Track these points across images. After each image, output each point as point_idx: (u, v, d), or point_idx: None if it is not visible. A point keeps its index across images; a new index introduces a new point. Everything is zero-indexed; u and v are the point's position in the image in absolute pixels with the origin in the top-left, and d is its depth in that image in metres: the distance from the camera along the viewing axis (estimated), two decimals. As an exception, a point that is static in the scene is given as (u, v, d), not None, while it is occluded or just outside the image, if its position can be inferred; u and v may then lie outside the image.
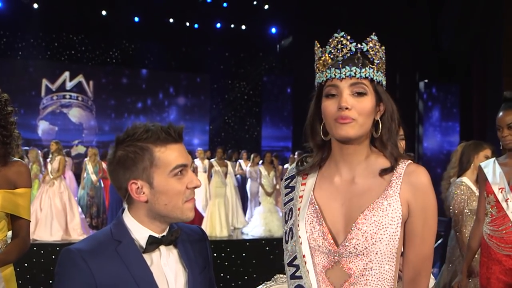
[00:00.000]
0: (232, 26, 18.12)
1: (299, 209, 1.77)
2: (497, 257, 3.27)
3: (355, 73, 1.64)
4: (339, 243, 1.67)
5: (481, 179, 3.48)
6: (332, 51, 1.68)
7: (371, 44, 1.67)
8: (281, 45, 19.11)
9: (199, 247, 1.86)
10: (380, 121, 1.70)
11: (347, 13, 13.77)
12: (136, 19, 17.21)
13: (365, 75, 1.65)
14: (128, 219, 1.72)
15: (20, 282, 2.72)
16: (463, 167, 4.48)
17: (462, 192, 4.35)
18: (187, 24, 17.76)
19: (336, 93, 1.65)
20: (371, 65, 1.66)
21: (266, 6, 17.27)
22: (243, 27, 18.18)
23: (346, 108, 1.62)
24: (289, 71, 18.56)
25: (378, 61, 1.68)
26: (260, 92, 19.16)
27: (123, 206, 1.79)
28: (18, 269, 2.72)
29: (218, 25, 18.01)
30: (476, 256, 3.68)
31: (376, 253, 1.64)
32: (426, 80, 16.12)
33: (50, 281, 7.51)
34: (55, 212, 9.14)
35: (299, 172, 1.84)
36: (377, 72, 1.67)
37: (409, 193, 1.67)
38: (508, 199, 3.24)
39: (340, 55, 1.67)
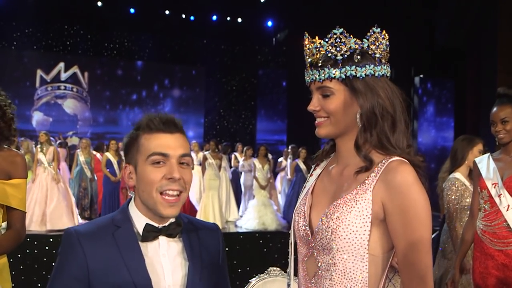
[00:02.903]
0: (228, 18, 18.08)
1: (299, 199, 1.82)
2: (489, 252, 3.29)
3: (315, 77, 1.66)
4: (313, 235, 1.68)
5: (475, 174, 3.50)
6: (306, 56, 1.70)
7: (332, 40, 1.64)
8: (277, 39, 19.09)
9: (209, 244, 1.85)
10: (358, 121, 1.65)
11: (343, 7, 13.75)
12: (132, 10, 17.15)
13: (324, 76, 1.64)
14: (131, 207, 1.76)
15: (13, 273, 2.72)
16: (457, 163, 4.49)
17: (456, 188, 4.36)
18: (183, 16, 17.72)
19: (312, 96, 1.70)
20: (330, 64, 1.63)
21: (262, -1, 17.26)
22: (239, 20, 18.15)
23: (314, 110, 1.68)
24: (285, 64, 18.56)
25: (344, 56, 1.62)
26: (256, 85, 19.16)
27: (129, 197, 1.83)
28: (11, 260, 2.71)
29: (214, 17, 17.97)
30: (469, 251, 3.70)
31: (338, 250, 1.60)
32: (421, 75, 16.15)
33: (44, 272, 7.52)
34: (49, 202, 9.11)
35: (313, 161, 1.87)
36: (341, 68, 1.62)
37: (384, 192, 1.58)
38: (501, 194, 3.25)
39: (309, 60, 1.69)
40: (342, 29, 1.64)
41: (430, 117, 16.23)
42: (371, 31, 1.66)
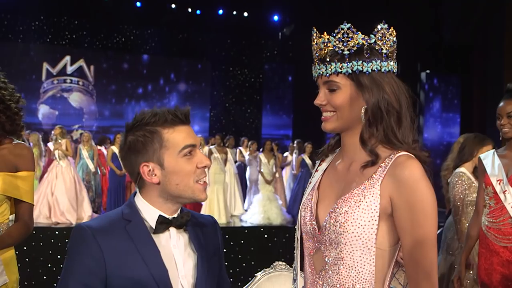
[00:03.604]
0: (235, 13, 18.05)
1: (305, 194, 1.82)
2: (495, 248, 3.29)
3: (322, 72, 1.67)
4: (320, 230, 1.69)
5: (480, 171, 3.50)
6: (314, 51, 1.71)
7: (339, 35, 1.65)
8: (283, 33, 19.05)
9: (210, 235, 1.89)
10: (363, 116, 1.65)
11: (349, 2, 13.72)
12: (138, 4, 17.14)
13: (331, 71, 1.65)
14: (139, 201, 1.77)
15: (19, 265, 2.73)
16: (463, 158, 4.48)
17: (462, 183, 4.35)
18: (189, 10, 17.69)
19: (319, 90, 1.72)
20: (337, 59, 1.64)
21: (269, -6, 17.21)
22: (246, 14, 18.11)
23: (321, 105, 1.69)
24: (291, 59, 18.53)
25: (351, 51, 1.63)
26: (261, 80, 19.14)
27: (135, 190, 1.84)
28: (17, 252, 2.73)
29: (221, 11, 17.94)
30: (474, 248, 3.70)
31: (346, 244, 1.61)
32: (427, 71, 16.09)
33: (49, 265, 7.56)
34: (69, 193, 9.19)
35: (319, 156, 1.88)
36: (348, 63, 1.63)
37: (392, 187, 1.59)
38: (506, 191, 3.25)
39: (317, 55, 1.70)
40: (349, 24, 1.65)
41: (436, 112, 16.18)
42: (378, 27, 1.67)
